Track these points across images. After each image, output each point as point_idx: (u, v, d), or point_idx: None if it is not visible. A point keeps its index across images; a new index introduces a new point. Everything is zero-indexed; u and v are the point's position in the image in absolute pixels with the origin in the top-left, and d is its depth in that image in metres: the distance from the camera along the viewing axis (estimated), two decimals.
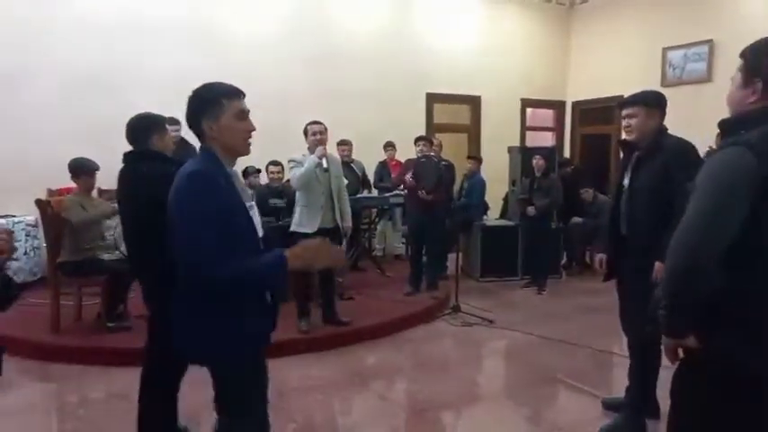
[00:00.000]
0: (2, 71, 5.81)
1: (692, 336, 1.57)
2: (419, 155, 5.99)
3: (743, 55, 1.63)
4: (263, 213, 5.34)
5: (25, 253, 5.71)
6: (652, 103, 2.93)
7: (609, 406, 3.37)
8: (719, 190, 1.49)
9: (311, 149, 4.50)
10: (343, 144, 6.71)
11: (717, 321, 1.53)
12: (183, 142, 6.19)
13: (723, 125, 1.65)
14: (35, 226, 5.64)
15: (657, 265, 2.73)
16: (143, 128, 2.76)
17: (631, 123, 2.92)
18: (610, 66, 8.63)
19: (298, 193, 4.60)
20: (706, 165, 1.58)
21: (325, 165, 4.48)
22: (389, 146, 7.31)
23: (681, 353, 1.65)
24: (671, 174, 2.73)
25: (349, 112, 7.18)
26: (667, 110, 2.97)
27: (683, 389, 1.68)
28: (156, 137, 2.76)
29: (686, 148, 2.86)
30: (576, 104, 9.55)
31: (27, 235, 5.73)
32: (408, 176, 5.86)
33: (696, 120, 5.61)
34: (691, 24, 7.49)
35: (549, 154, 6.94)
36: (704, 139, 4.61)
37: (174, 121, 6.04)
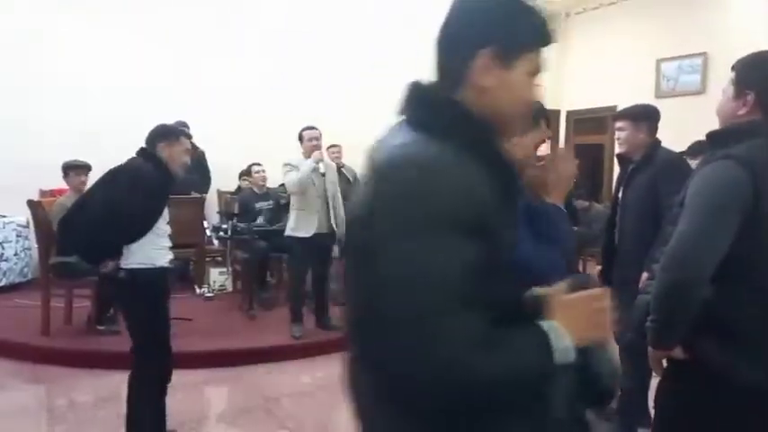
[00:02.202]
0: None
1: (678, 347, 1.58)
2: None
3: (734, 68, 1.65)
4: (250, 218, 5.38)
5: (16, 254, 5.66)
6: (639, 116, 2.99)
7: (601, 415, 3.37)
8: (711, 205, 1.50)
9: (306, 154, 4.51)
10: (334, 146, 6.70)
11: (704, 332, 1.53)
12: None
13: (712, 137, 1.66)
14: (26, 226, 5.60)
15: (644, 275, 2.76)
16: (153, 134, 2.81)
17: (621, 136, 3.01)
18: (604, 76, 8.68)
19: (292, 198, 4.60)
20: (696, 179, 1.59)
21: (322, 169, 4.49)
22: None
23: (665, 363, 1.66)
24: (658, 187, 2.77)
25: (343, 117, 7.17)
26: (661, 122, 3.01)
27: (669, 399, 1.69)
28: (162, 144, 2.77)
29: (675, 162, 2.90)
30: (570, 114, 9.60)
31: (18, 236, 5.68)
32: None
33: (689, 131, 5.62)
34: (685, 37, 7.55)
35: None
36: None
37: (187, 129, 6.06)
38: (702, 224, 1.50)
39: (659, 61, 7.88)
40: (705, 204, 1.51)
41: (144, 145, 2.80)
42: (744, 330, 1.50)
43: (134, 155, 2.80)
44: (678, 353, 1.58)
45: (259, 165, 5.71)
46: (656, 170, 2.85)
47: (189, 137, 2.91)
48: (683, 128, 5.17)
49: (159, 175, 2.73)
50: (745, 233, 1.47)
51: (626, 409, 3.12)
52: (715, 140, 1.65)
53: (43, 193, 5.50)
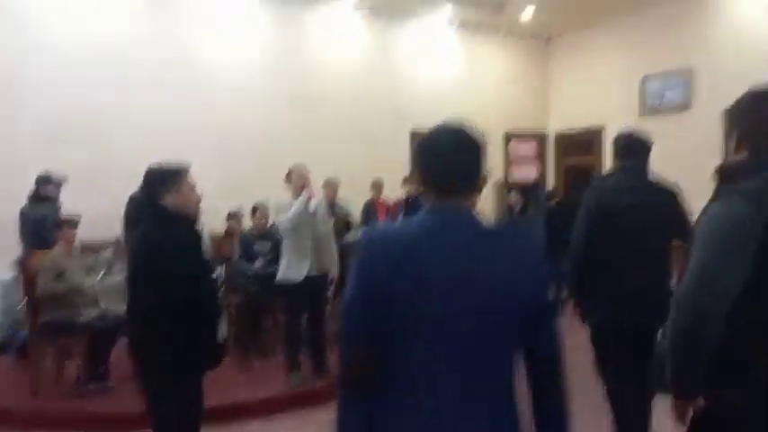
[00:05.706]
0: None
1: (701, 396, 1.48)
2: (407, 196, 5.92)
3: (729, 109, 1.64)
4: (248, 258, 5.25)
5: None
6: None
7: None
8: (722, 243, 1.44)
9: (296, 193, 4.42)
10: (330, 185, 6.64)
11: (726, 377, 1.44)
12: None
13: (720, 172, 1.62)
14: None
15: None
16: (151, 185, 2.45)
17: None
18: (589, 96, 8.73)
19: (285, 241, 4.49)
20: (706, 216, 1.53)
21: (312, 207, 4.39)
22: (376, 185, 7.24)
23: (690, 413, 1.55)
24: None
25: (332, 152, 7.16)
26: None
27: None
28: (167, 194, 2.42)
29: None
30: (558, 136, 9.61)
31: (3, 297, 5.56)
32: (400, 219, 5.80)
33: (674, 147, 5.62)
34: (669, 53, 7.60)
35: (530, 190, 6.91)
36: (683, 167, 4.60)
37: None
38: (713, 264, 1.43)
39: (644, 78, 7.91)
40: (715, 243, 1.45)
41: (149, 196, 2.45)
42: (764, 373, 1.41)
43: (145, 220, 2.46)
44: (701, 403, 1.48)
45: (262, 208, 5.55)
46: None
47: (186, 169, 2.54)
48: (668, 144, 5.14)
49: (179, 239, 2.39)
50: (756, 270, 1.39)
51: None
52: (723, 176, 1.61)
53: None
